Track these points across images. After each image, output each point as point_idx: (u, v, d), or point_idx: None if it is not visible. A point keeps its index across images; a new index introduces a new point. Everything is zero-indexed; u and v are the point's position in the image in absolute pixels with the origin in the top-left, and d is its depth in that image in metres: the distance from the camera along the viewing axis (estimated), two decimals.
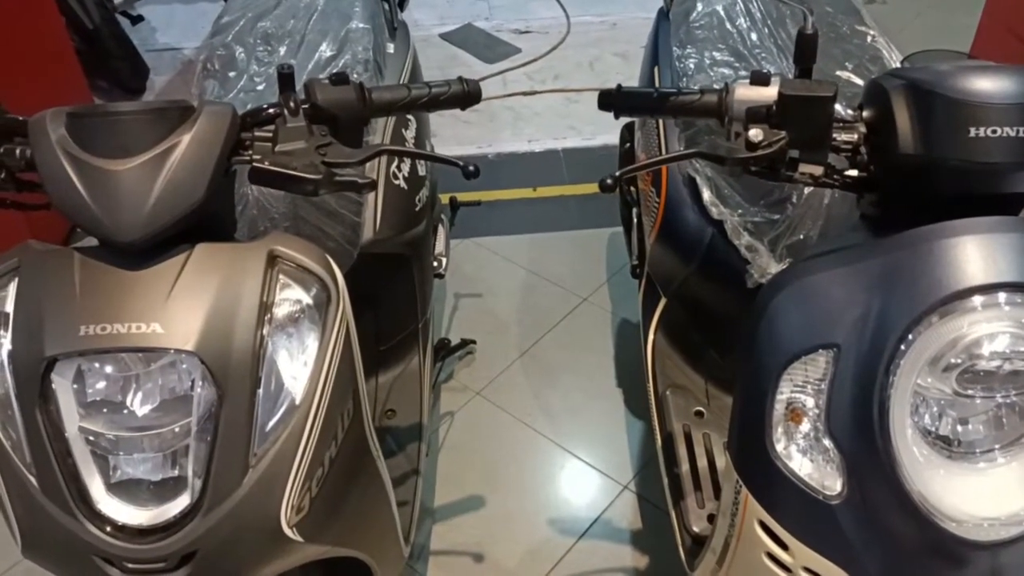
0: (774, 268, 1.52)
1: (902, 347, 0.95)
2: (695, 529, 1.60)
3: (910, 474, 0.97)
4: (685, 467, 1.67)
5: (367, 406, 1.18)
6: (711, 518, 1.61)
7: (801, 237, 1.51)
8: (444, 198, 2.28)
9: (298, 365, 1.06)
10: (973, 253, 0.94)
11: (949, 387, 0.96)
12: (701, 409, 1.76)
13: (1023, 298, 0.93)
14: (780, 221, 1.54)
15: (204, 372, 1.00)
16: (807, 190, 1.49)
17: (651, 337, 1.86)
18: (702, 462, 1.69)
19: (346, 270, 1.28)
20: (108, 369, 1.00)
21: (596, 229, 2.83)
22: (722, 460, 1.69)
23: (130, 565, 1.02)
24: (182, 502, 1.02)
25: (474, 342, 2.42)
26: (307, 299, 1.07)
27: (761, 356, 1.06)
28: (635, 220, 1.99)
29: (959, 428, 0.98)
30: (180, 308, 0.99)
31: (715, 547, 1.29)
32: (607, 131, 2.48)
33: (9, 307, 1.02)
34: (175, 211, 0.99)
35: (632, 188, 2.10)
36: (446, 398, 2.33)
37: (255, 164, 1.04)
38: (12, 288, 1.03)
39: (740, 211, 1.58)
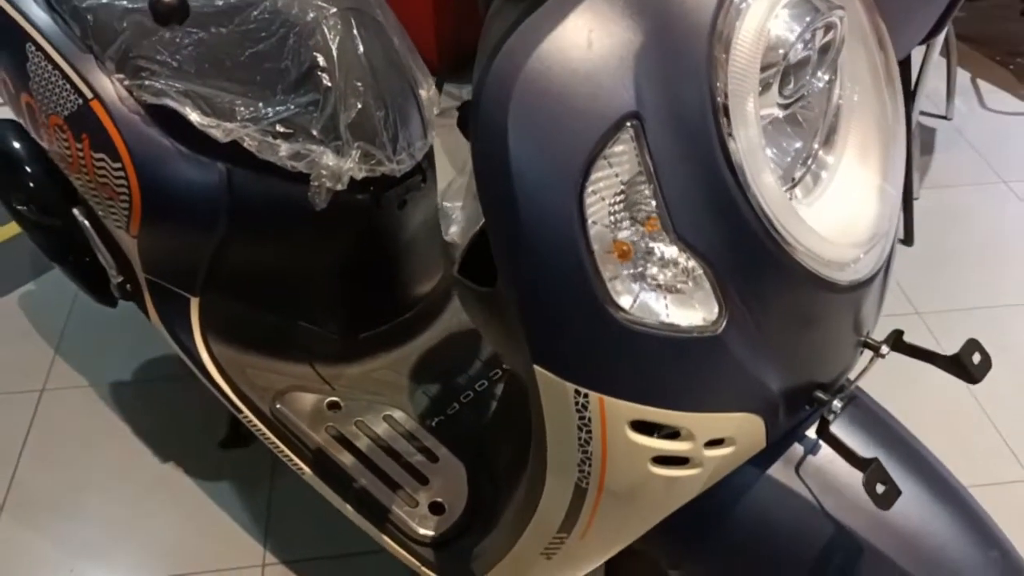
0: (349, 163, 1.10)
1: (717, 53, 0.65)
2: (428, 533, 1.16)
3: (783, 226, 0.69)
4: (365, 478, 1.20)
5: None
6: (435, 508, 1.19)
7: (359, 106, 1.11)
8: None
9: None
10: None
11: (774, 102, 0.70)
12: (334, 399, 1.28)
13: None
14: (315, 103, 1.11)
15: None
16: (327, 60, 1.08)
17: (203, 355, 1.28)
18: (376, 455, 1.24)
19: None
20: None
21: None
22: (391, 433, 1.26)
23: None
24: None
25: None
26: None
27: (531, 194, 0.66)
28: (90, 226, 1.31)
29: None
30: None
31: (545, 520, 0.85)
32: None
33: None
34: None
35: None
36: None
37: None
38: None
39: (253, 117, 1.10)
